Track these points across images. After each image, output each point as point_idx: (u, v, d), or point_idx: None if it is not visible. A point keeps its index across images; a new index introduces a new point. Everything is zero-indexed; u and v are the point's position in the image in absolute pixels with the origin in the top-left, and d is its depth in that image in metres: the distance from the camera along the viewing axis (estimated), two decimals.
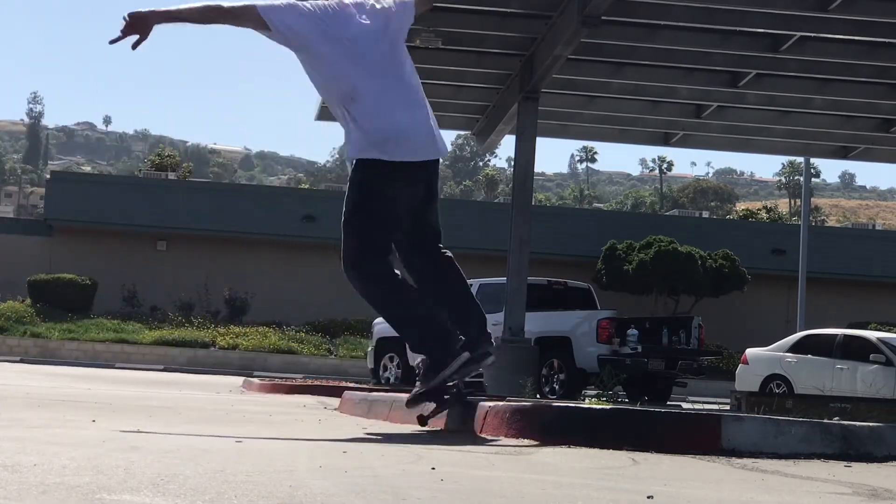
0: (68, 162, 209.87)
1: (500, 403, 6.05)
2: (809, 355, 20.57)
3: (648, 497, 3.31)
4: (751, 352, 21.91)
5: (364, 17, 5.69)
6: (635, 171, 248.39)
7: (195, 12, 5.52)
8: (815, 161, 70.24)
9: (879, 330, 29.07)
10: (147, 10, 5.51)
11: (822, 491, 3.89)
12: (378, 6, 5.78)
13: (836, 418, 6.60)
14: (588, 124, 20.81)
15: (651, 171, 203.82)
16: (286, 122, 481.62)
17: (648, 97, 19.32)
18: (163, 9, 5.58)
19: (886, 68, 17.28)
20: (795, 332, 23.58)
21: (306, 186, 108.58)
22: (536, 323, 17.51)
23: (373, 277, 5.64)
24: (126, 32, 5.44)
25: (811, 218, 48.85)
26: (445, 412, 5.84)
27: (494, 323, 18.22)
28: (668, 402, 18.74)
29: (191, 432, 5.16)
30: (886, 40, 16.21)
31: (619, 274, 36.65)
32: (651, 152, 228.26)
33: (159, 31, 5.49)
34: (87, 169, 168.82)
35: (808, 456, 5.22)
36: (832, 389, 17.80)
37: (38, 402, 7.32)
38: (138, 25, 5.42)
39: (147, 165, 62.26)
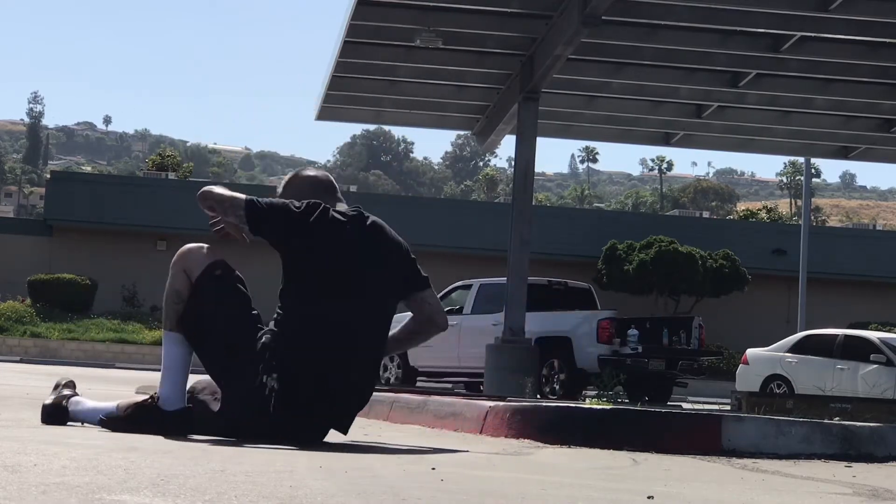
0: (68, 162, 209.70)
1: (501, 404, 6.06)
2: (810, 355, 20.55)
3: (648, 497, 3.31)
4: (751, 352, 21.89)
5: None
6: (636, 171, 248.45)
7: None
8: (815, 161, 70.24)
9: (880, 330, 29.04)
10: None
11: (822, 491, 3.89)
12: None
13: (837, 419, 6.60)
14: (589, 124, 20.79)
15: (651, 171, 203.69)
16: (286, 122, 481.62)
17: (649, 97, 19.32)
18: None
19: (887, 68, 17.28)
20: (796, 333, 23.56)
21: None
22: (537, 323, 17.49)
23: None
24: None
25: (812, 218, 48.77)
26: None
27: (495, 323, 18.20)
28: (669, 402, 18.73)
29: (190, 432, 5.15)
30: (887, 40, 16.21)
31: (620, 274, 36.63)
32: (651, 152, 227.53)
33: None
34: (87, 169, 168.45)
35: (809, 456, 5.22)
36: (832, 390, 17.76)
37: (38, 402, 7.32)
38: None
39: (147, 165, 62.27)
